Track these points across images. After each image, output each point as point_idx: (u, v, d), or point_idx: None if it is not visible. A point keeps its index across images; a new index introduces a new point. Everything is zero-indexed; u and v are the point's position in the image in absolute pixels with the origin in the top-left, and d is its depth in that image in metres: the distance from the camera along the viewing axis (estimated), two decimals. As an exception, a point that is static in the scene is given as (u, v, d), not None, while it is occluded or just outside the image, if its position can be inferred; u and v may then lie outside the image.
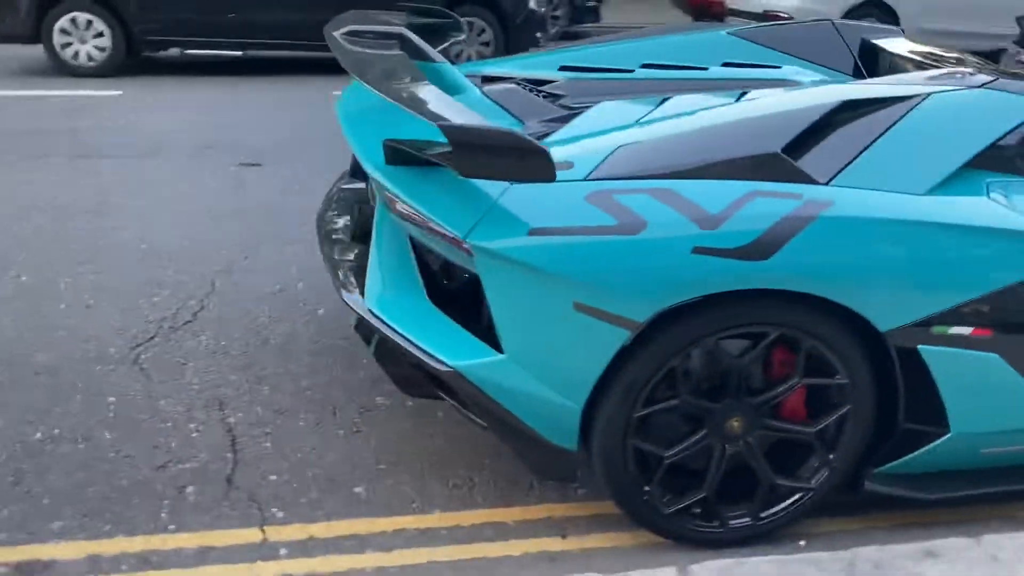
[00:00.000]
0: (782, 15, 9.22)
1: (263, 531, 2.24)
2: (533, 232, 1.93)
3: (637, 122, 2.29)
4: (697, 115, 2.26)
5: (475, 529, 2.29)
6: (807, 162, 2.07)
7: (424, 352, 2.10)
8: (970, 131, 2.19)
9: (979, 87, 2.27)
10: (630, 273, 1.94)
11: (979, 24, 8.53)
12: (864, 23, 3.38)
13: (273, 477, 2.45)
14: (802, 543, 2.24)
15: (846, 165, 2.07)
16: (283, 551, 2.18)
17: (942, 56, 3.04)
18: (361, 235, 2.60)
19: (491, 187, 2.01)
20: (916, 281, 2.04)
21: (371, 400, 2.82)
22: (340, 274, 2.46)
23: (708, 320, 1.99)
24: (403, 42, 2.72)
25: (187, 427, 2.64)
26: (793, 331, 2.04)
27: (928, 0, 9.09)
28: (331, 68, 3.60)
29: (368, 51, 2.62)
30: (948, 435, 2.17)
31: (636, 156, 2.08)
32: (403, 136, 2.19)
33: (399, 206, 2.18)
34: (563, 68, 3.06)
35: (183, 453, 2.52)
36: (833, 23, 3.23)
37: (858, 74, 3.12)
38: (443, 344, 2.11)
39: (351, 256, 2.55)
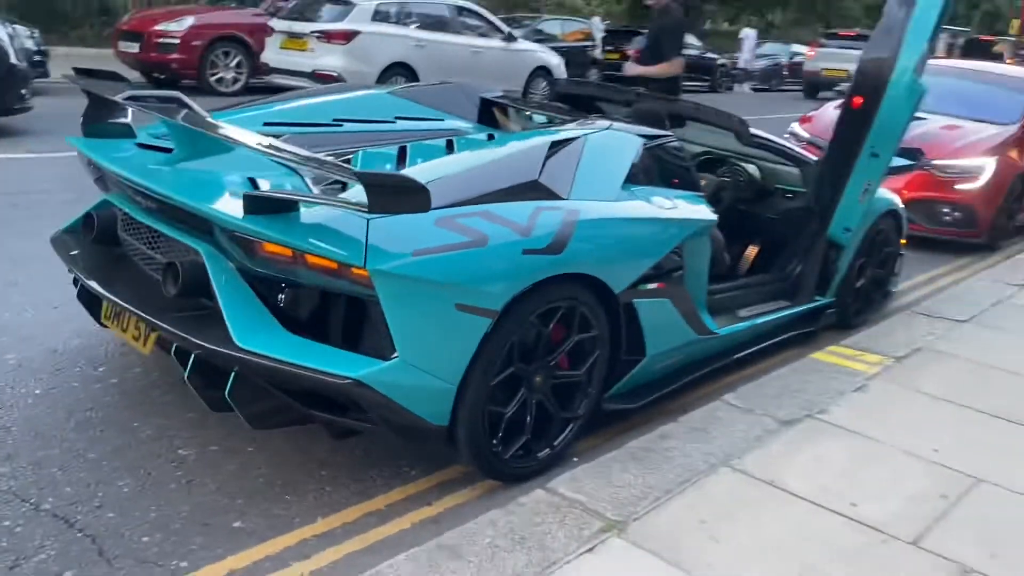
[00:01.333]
0: (332, 75, 10.47)
1: (182, 581, 2.29)
2: (416, 253, 2.44)
3: (428, 159, 2.90)
4: (468, 155, 2.95)
5: (361, 521, 2.64)
6: (552, 184, 2.93)
7: (319, 372, 2.43)
8: (619, 157, 3.28)
9: (606, 129, 3.40)
10: (489, 274, 2.57)
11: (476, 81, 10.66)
12: (469, 85, 4.34)
13: (145, 539, 2.44)
14: (575, 459, 3.09)
15: (571, 185, 2.99)
16: (218, 589, 2.28)
17: (534, 105, 4.19)
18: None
19: (353, 223, 2.43)
20: (628, 256, 3.05)
21: (174, 454, 2.86)
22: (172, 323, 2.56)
23: (532, 303, 2.72)
24: (182, 105, 2.84)
25: (1, 524, 2.41)
26: (573, 302, 2.88)
27: (440, 65, 11.10)
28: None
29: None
30: (644, 359, 3.24)
31: (446, 189, 2.69)
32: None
33: (266, 248, 2.46)
34: (266, 124, 3.41)
35: (24, 548, 2.33)
36: (459, 85, 4.16)
37: (482, 121, 4.09)
38: (332, 361, 2.46)
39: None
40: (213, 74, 11.57)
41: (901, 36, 3.92)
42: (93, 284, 2.87)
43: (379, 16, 11.26)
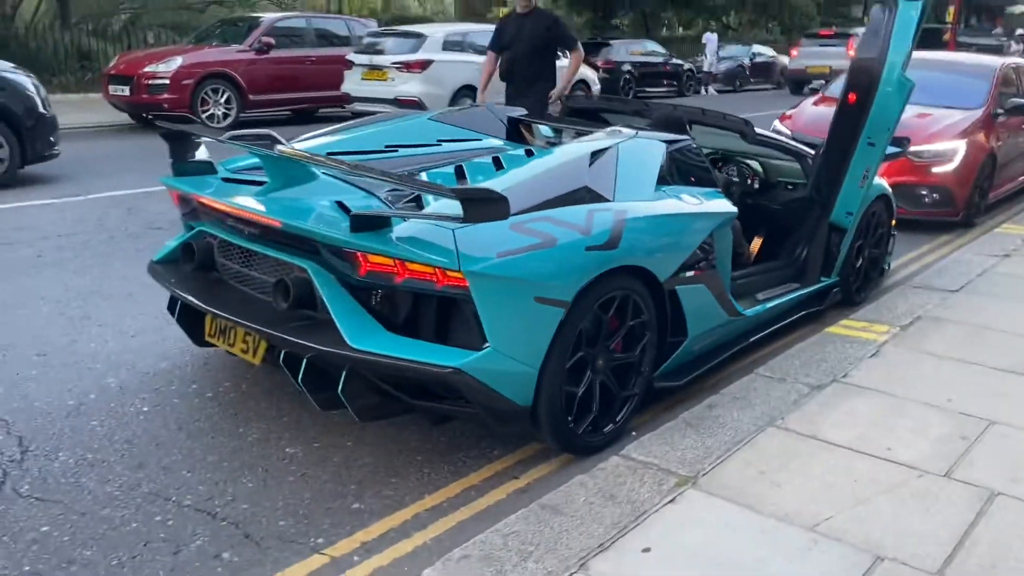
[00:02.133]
0: (413, 99, 11.68)
1: (325, 554, 2.63)
2: (500, 255, 2.81)
3: (486, 178, 3.27)
4: (522, 168, 3.32)
5: (462, 495, 2.99)
6: (599, 188, 3.31)
7: (423, 364, 2.78)
8: (649, 161, 3.68)
9: (634, 137, 3.79)
10: (561, 270, 2.95)
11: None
12: (500, 105, 4.73)
13: (281, 523, 2.77)
14: (634, 433, 3.45)
15: (615, 188, 3.38)
16: (357, 555, 2.62)
17: (556, 121, 4.58)
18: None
19: (441, 233, 2.79)
20: (670, 248, 3.44)
21: (283, 452, 3.19)
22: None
23: (595, 294, 3.09)
24: (275, 141, 3.19)
25: (154, 520, 2.73)
26: (627, 291, 3.25)
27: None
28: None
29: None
30: (687, 340, 3.63)
31: (515, 198, 3.04)
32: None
33: (370, 259, 2.81)
34: (331, 154, 3.76)
35: (181, 536, 2.66)
36: (488, 107, 4.54)
37: (510, 138, 4.46)
38: (433, 354, 2.83)
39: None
40: (204, 111, 11.87)
41: (887, 37, 4.36)
42: (202, 305, 3.20)
43: (447, 46, 12.63)
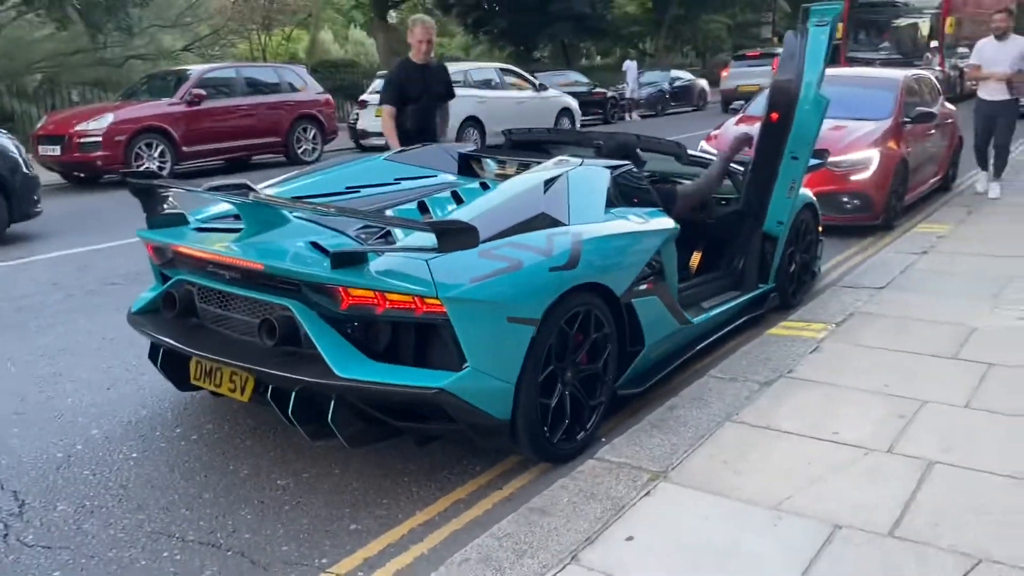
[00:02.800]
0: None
1: (331, 572, 2.78)
2: (472, 280, 3.04)
3: (447, 212, 3.50)
4: (482, 200, 3.55)
5: (451, 508, 3.18)
6: (554, 214, 3.57)
7: (409, 387, 2.99)
8: (597, 186, 3.95)
9: (580, 165, 4.07)
10: (529, 290, 3.18)
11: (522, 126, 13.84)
12: (448, 144, 4.97)
13: (284, 548, 2.92)
14: (603, 439, 3.69)
15: (568, 212, 3.64)
16: (361, 571, 2.79)
17: (503, 154, 4.85)
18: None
19: (414, 264, 3.01)
20: (624, 265, 3.71)
21: (275, 484, 3.34)
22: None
23: (561, 311, 3.33)
24: (251, 190, 3.37)
25: (162, 556, 2.86)
26: (589, 307, 3.50)
27: (497, 115, 15.10)
28: None
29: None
30: (644, 348, 3.89)
31: (481, 227, 3.26)
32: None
33: (352, 293, 3.01)
34: (296, 198, 3.95)
35: (190, 569, 2.79)
36: (439, 146, 4.78)
37: (462, 172, 4.71)
38: (417, 377, 3.03)
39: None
40: (139, 165, 11.85)
41: (801, 60, 4.76)
42: (188, 349, 3.34)
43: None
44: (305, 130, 14.37)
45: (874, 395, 3.81)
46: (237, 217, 3.59)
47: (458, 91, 14.73)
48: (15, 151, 8.13)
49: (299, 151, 14.19)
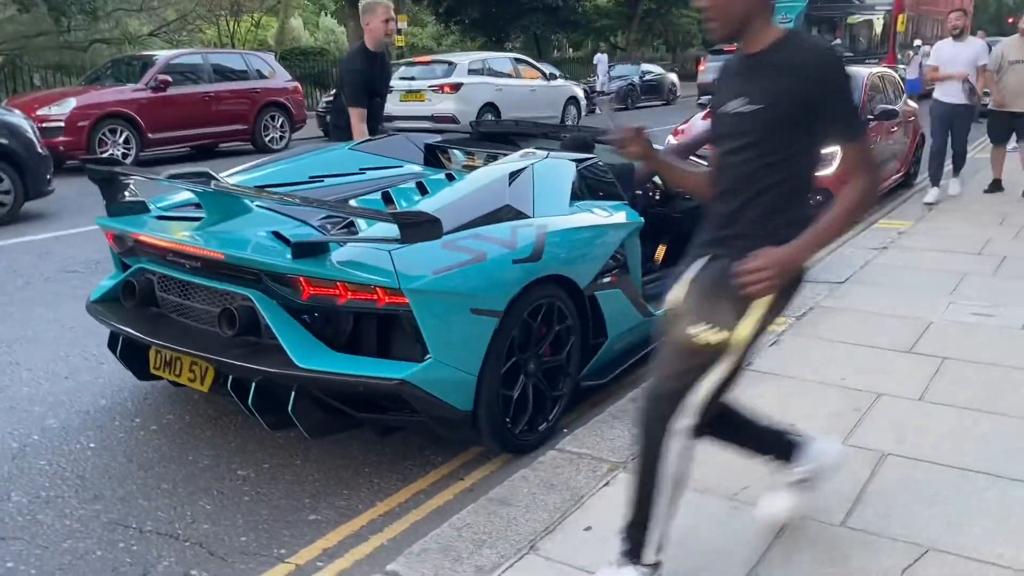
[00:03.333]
0: (448, 115, 14.43)
1: (290, 563, 2.78)
2: (435, 272, 3.04)
3: (412, 203, 3.49)
4: (447, 191, 3.56)
5: (412, 499, 3.19)
6: (519, 206, 3.58)
7: (370, 378, 2.99)
8: (562, 179, 3.97)
9: (546, 157, 4.08)
10: (492, 282, 3.19)
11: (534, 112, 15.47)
12: (416, 135, 4.96)
13: (243, 538, 2.91)
14: (565, 430, 3.71)
15: (533, 205, 3.65)
16: (320, 560, 2.79)
17: (469, 145, 4.84)
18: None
19: (378, 256, 3.01)
20: (587, 257, 3.73)
21: (235, 475, 3.32)
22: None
23: (524, 303, 3.35)
24: (211, 178, 3.34)
25: (118, 547, 2.84)
26: (552, 299, 3.52)
27: (512, 102, 15.82)
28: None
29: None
30: (608, 340, 3.92)
31: (445, 219, 3.27)
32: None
33: (312, 283, 3.00)
34: (259, 187, 3.92)
35: (146, 559, 2.77)
36: (405, 136, 4.76)
37: (428, 163, 4.70)
38: (378, 368, 3.03)
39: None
40: (103, 151, 11.68)
41: None
42: (147, 338, 3.31)
43: (472, 71, 15.59)
44: (273, 118, 14.25)
45: (831, 387, 3.88)
46: (199, 206, 3.57)
47: (478, 79, 16.13)
48: (29, 130, 8.34)
49: (267, 139, 14.07)
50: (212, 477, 3.31)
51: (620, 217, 4.06)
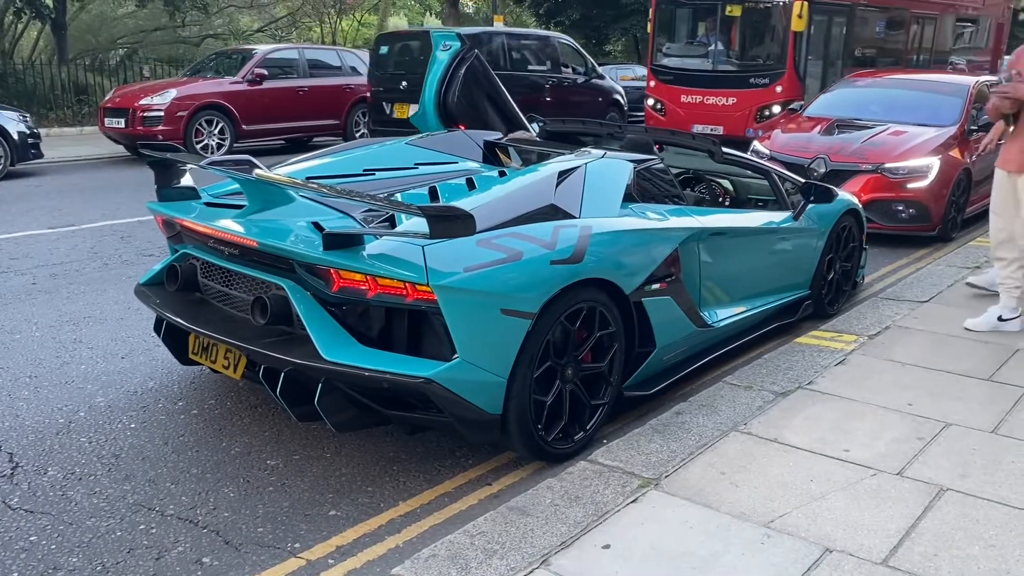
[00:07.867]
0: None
1: (301, 558, 2.75)
2: (467, 269, 2.95)
3: (457, 196, 3.42)
4: (493, 188, 3.47)
5: (435, 501, 3.12)
6: (565, 206, 3.46)
7: (396, 375, 2.92)
8: (615, 180, 3.83)
9: (602, 157, 3.94)
10: (526, 283, 3.08)
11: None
12: (474, 132, 4.90)
13: (260, 529, 2.89)
14: (604, 441, 3.57)
15: (581, 205, 3.52)
16: (332, 558, 2.74)
17: (531, 143, 4.74)
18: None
19: (410, 250, 2.94)
20: (634, 262, 3.58)
21: (264, 464, 3.32)
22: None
23: (561, 306, 3.22)
24: (254, 166, 3.35)
25: (138, 528, 2.86)
26: (593, 304, 3.39)
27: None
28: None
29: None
30: (656, 350, 3.76)
31: (483, 216, 3.20)
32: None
33: (343, 276, 2.96)
34: (310, 178, 3.91)
35: (162, 543, 2.78)
36: (464, 132, 4.70)
37: (487, 161, 4.63)
38: (405, 365, 2.96)
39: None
40: (199, 142, 12.07)
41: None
42: (186, 324, 3.34)
43: None
44: (364, 113, 14.45)
45: (894, 413, 3.61)
46: None
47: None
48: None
49: (357, 134, 14.28)
50: (241, 465, 3.31)
51: (676, 222, 3.88)
